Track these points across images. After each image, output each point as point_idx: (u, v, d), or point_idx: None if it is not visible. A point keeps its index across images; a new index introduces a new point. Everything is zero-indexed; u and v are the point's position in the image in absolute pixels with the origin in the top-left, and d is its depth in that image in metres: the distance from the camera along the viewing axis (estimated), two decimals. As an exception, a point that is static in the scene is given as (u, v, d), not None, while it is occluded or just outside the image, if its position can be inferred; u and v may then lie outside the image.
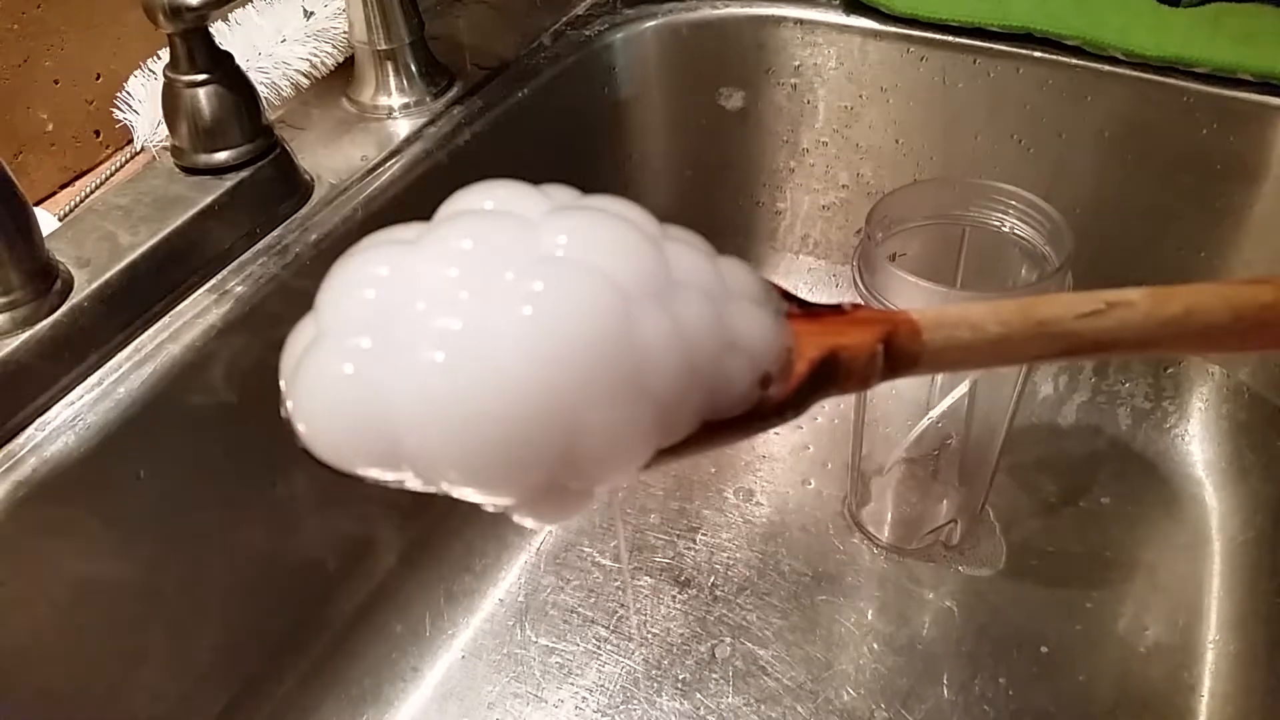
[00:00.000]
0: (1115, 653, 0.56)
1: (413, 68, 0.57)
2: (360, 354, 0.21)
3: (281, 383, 0.23)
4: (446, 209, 0.24)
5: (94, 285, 0.43)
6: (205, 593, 0.48)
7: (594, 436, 0.21)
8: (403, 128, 0.57)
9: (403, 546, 0.59)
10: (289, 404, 0.22)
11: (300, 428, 0.22)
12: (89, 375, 0.43)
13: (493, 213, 0.23)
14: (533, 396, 0.20)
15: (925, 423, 0.54)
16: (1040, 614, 0.58)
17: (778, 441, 0.68)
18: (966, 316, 0.25)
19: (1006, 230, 0.52)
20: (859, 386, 0.25)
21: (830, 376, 0.24)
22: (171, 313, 0.45)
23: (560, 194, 0.24)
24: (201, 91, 0.46)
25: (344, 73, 0.59)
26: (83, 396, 0.42)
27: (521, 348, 0.20)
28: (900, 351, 0.24)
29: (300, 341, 0.23)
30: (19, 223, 0.40)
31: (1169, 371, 0.66)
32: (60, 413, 0.42)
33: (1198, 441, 0.64)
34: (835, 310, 0.25)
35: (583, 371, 0.21)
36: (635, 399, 0.21)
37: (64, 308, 0.42)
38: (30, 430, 0.41)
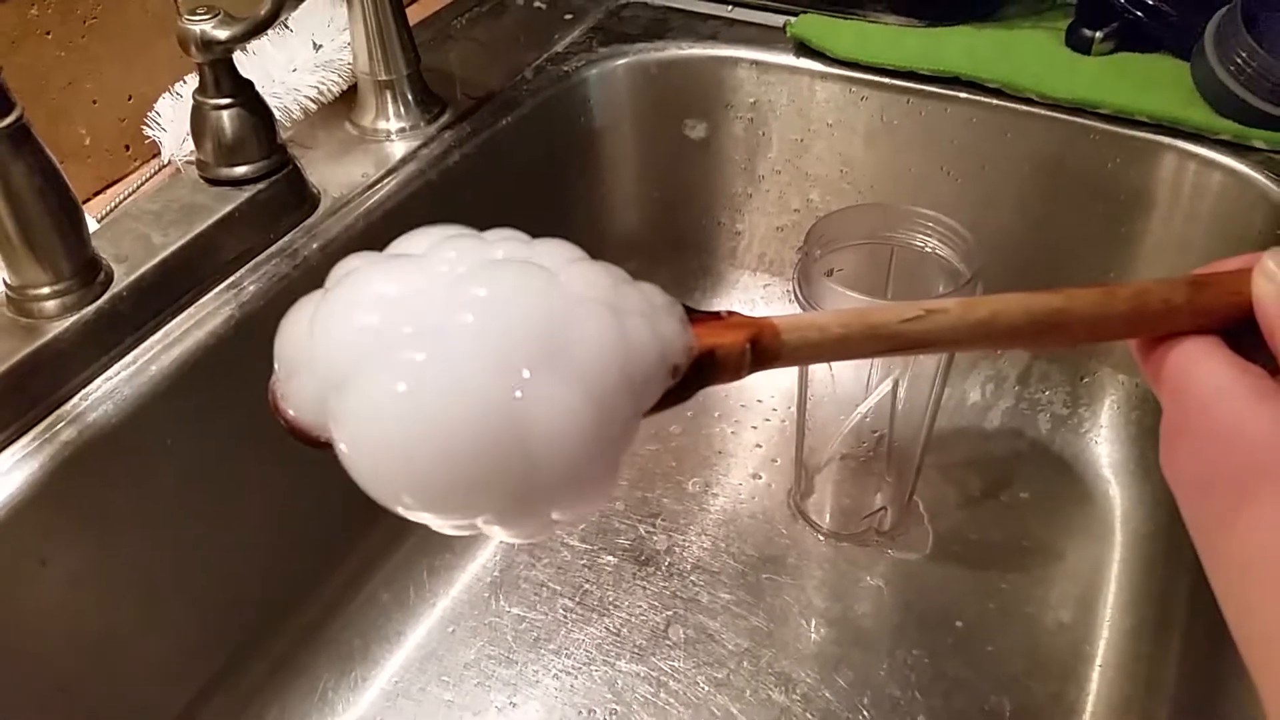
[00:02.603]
0: (1024, 628, 0.62)
1: (409, 96, 0.64)
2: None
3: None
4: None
5: (131, 278, 0.49)
6: (216, 553, 0.54)
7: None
8: (399, 149, 0.63)
9: (390, 526, 0.65)
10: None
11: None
12: (125, 355, 0.49)
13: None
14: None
15: (856, 416, 0.61)
16: (960, 594, 0.64)
17: (733, 440, 0.74)
18: (815, 321, 0.31)
19: (929, 251, 0.58)
20: (732, 377, 0.31)
21: (709, 369, 0.30)
22: (197, 304, 0.52)
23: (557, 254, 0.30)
24: (225, 113, 0.53)
25: (347, 99, 0.65)
26: (120, 373, 0.49)
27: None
28: (764, 349, 0.30)
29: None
30: (72, 223, 0.46)
31: (1085, 381, 0.73)
32: (100, 386, 0.48)
33: (1108, 443, 0.71)
34: (715, 316, 0.31)
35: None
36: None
37: (105, 296, 0.48)
38: (75, 400, 0.47)
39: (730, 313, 0.31)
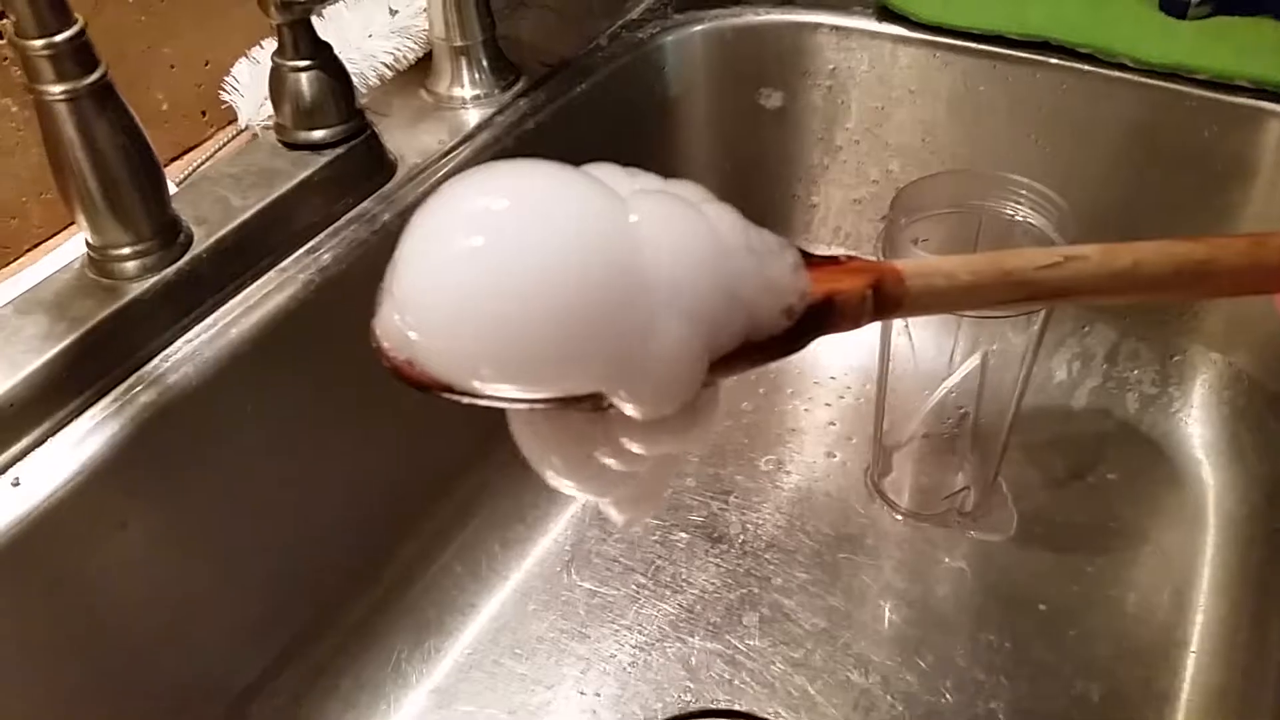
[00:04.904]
0: (1111, 612, 0.60)
1: (484, 63, 0.63)
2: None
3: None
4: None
5: (210, 240, 0.49)
6: (292, 518, 0.54)
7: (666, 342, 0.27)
8: (474, 117, 0.62)
9: (463, 496, 0.65)
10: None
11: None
12: (205, 317, 0.49)
13: None
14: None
15: (940, 392, 0.60)
16: (1044, 577, 0.62)
17: (806, 418, 0.73)
18: (942, 266, 0.29)
19: (1019, 219, 0.56)
20: (851, 325, 0.29)
21: (826, 315, 0.28)
22: (276, 268, 0.51)
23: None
24: (304, 76, 0.52)
25: (422, 66, 0.64)
26: (199, 336, 0.48)
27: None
28: (887, 295, 0.28)
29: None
30: (153, 183, 0.46)
31: (1175, 359, 0.70)
32: (180, 348, 0.48)
33: (1199, 424, 0.69)
34: (834, 261, 0.30)
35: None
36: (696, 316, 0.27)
37: (185, 258, 0.48)
38: (155, 361, 0.47)
39: (850, 256, 0.29)
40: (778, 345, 0.28)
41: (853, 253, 0.29)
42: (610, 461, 0.31)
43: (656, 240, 0.26)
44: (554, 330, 0.26)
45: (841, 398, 0.74)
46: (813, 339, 0.29)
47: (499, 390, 0.27)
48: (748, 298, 0.27)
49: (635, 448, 0.30)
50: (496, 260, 0.26)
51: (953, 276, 0.29)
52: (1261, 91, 0.60)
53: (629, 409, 0.28)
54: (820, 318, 0.28)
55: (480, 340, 0.26)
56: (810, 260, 0.30)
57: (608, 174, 0.29)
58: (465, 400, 0.28)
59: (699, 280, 0.26)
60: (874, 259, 0.29)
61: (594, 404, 0.28)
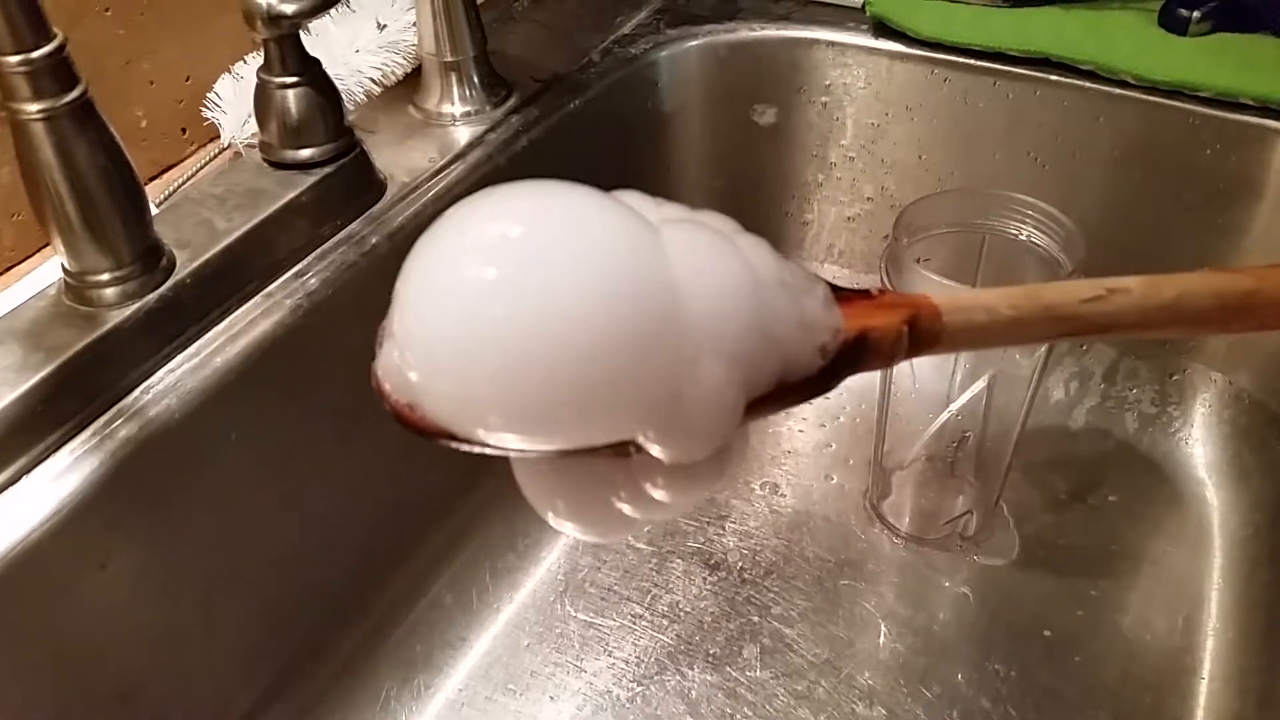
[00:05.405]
0: (1118, 638, 0.59)
1: (475, 79, 0.61)
2: None
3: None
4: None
5: (194, 265, 0.47)
6: (279, 553, 0.52)
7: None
8: (464, 134, 0.61)
9: (453, 526, 0.63)
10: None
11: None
12: (189, 345, 0.47)
13: None
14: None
15: (945, 415, 0.58)
16: (1048, 602, 0.61)
17: (802, 439, 0.71)
18: (981, 300, 0.28)
19: (1023, 239, 0.55)
20: (885, 363, 0.28)
21: (860, 353, 0.27)
22: (262, 293, 0.49)
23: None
24: (291, 93, 0.50)
25: (411, 82, 0.63)
26: (183, 365, 0.46)
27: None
28: (923, 332, 0.27)
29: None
30: (135, 206, 0.44)
31: (1174, 379, 0.69)
32: (163, 378, 0.46)
33: (1200, 444, 0.68)
34: (865, 295, 0.28)
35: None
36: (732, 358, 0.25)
37: (167, 284, 0.46)
38: (136, 393, 0.45)
39: (881, 290, 0.28)
40: (810, 385, 0.27)
41: (884, 286, 0.28)
42: (627, 508, 0.29)
43: (692, 273, 0.25)
44: (579, 373, 0.24)
45: (837, 419, 0.73)
46: (844, 378, 0.28)
47: (512, 441, 0.25)
48: (783, 336, 0.26)
49: (660, 495, 0.28)
50: (514, 294, 0.24)
51: (993, 311, 0.27)
52: (1266, 109, 0.59)
53: (658, 451, 0.26)
54: (854, 356, 0.27)
55: (494, 384, 0.24)
56: (840, 294, 0.28)
57: (634, 201, 0.27)
58: (476, 450, 0.26)
59: (737, 318, 0.25)
60: (886, 287, 0.28)
61: (617, 450, 0.26)
